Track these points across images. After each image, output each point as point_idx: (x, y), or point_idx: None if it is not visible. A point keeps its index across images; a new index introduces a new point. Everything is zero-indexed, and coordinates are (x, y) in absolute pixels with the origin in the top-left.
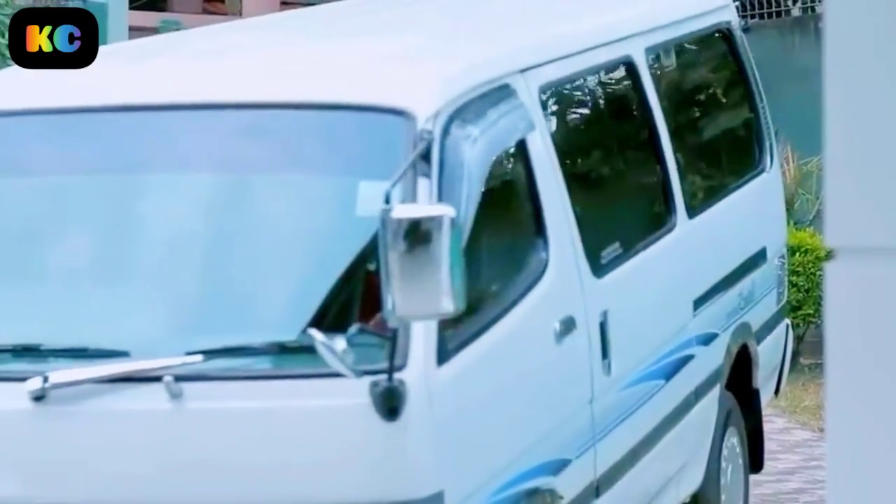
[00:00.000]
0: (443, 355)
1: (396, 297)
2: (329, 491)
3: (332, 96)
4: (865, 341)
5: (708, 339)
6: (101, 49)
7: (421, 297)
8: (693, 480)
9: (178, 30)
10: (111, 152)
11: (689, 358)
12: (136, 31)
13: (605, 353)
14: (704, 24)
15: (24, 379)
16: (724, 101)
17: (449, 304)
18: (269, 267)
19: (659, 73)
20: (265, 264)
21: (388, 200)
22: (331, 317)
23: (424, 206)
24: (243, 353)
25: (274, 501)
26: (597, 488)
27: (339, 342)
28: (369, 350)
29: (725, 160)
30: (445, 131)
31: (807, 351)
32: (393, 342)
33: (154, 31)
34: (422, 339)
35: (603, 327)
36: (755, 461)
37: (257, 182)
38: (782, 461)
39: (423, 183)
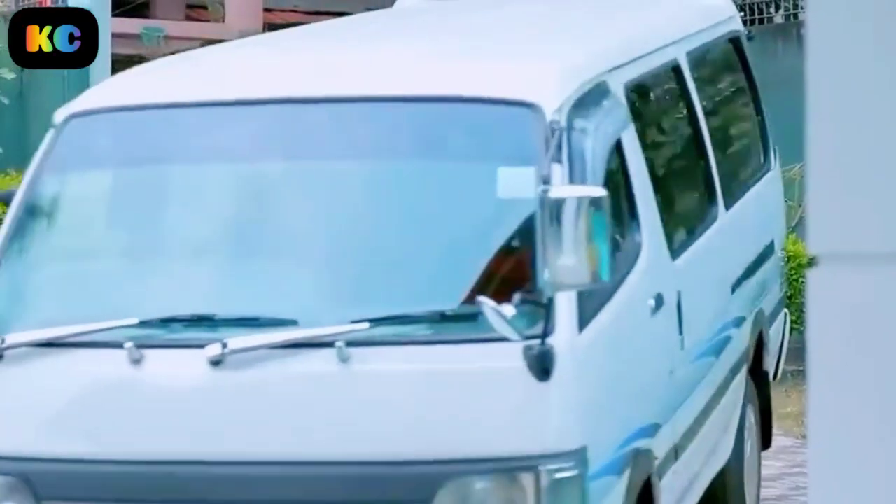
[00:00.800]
0: (581, 323)
1: (553, 269)
2: (486, 444)
3: (471, 91)
4: (848, 348)
5: (740, 322)
6: (250, 40)
7: (574, 268)
8: (724, 454)
9: (160, 37)
10: (283, 140)
11: (729, 339)
12: (118, 38)
13: (680, 329)
14: (721, 31)
15: (201, 346)
16: (740, 102)
17: (598, 275)
18: (419, 243)
19: (695, 76)
20: (416, 241)
21: (546, 182)
22: (477, 287)
23: (578, 187)
24: (405, 320)
25: (436, 454)
26: (675, 451)
27: (508, 309)
28: (519, 317)
29: (745, 158)
30: (568, 123)
31: (789, 357)
32: (548, 309)
33: (136, 37)
34: (566, 308)
35: (679, 305)
36: (765, 440)
37: (412, 167)
38: (765, 467)
39: (556, 168)
